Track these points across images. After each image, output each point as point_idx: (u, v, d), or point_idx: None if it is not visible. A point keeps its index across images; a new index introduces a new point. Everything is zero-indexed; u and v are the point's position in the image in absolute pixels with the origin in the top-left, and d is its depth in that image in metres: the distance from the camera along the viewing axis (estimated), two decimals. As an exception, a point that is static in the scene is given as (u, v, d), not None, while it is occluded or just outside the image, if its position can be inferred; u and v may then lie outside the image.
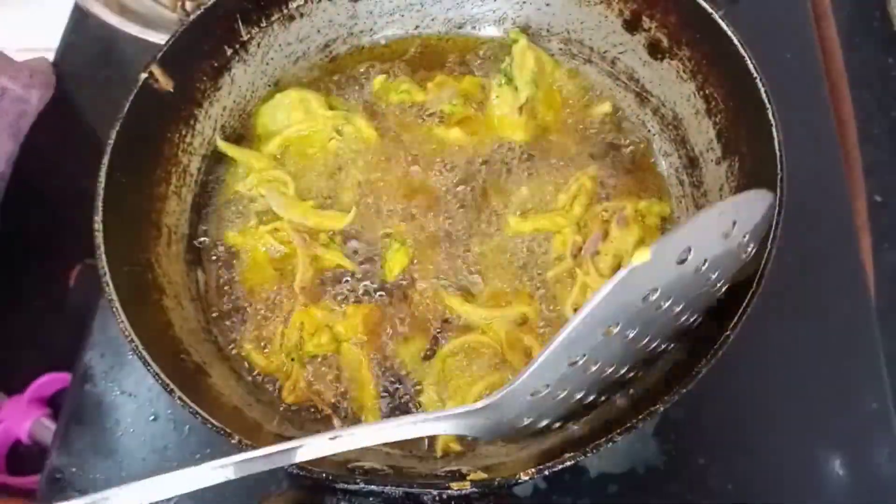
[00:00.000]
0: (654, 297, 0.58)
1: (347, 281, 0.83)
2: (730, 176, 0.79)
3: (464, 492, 0.60)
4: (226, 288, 0.84)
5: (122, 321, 0.66)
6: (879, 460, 0.80)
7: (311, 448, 0.59)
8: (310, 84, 0.95)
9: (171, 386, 0.64)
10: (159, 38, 1.05)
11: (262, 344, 0.80)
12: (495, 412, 0.61)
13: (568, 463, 0.60)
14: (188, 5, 1.17)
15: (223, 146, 0.89)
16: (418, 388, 0.78)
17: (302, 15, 0.92)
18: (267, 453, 0.58)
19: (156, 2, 1.19)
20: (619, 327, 0.58)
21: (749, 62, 0.75)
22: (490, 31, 0.99)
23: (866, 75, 1.14)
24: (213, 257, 0.85)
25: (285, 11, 0.91)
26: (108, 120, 0.77)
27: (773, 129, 0.72)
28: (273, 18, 0.90)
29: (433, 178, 0.88)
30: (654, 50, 0.88)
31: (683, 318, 0.64)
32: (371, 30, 0.98)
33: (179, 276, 0.81)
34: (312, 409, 0.78)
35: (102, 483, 0.81)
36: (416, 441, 0.76)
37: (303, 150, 0.90)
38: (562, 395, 0.62)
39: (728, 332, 0.63)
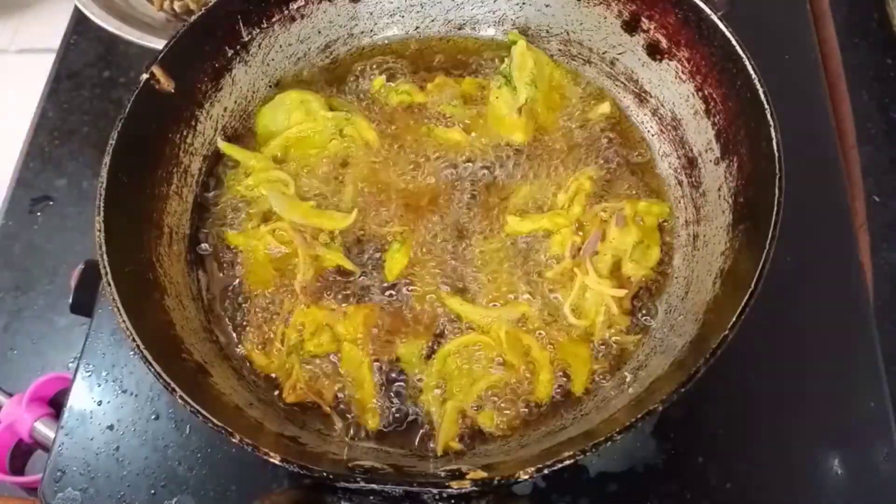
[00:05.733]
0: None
1: (348, 281, 0.83)
2: (728, 176, 0.79)
3: (464, 490, 0.61)
4: (227, 287, 0.84)
5: (124, 321, 0.66)
6: (877, 459, 0.80)
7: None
8: (310, 85, 0.96)
9: (173, 385, 0.64)
10: (158, 43, 1.06)
11: (263, 344, 0.81)
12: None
13: (567, 462, 0.61)
14: (176, 5, 1.17)
15: (224, 147, 0.89)
16: (418, 387, 0.78)
17: (302, 16, 0.93)
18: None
19: (150, 1, 1.20)
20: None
21: (748, 63, 0.75)
22: (489, 33, 0.99)
23: (865, 76, 1.14)
24: (215, 257, 0.86)
25: (286, 12, 0.91)
26: (109, 120, 0.77)
27: (772, 130, 0.72)
28: (274, 19, 0.90)
29: (433, 179, 0.89)
30: (653, 51, 0.88)
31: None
32: (371, 31, 0.98)
33: (181, 276, 0.81)
34: (313, 409, 0.78)
35: (104, 482, 0.81)
36: (416, 440, 0.76)
37: (303, 151, 0.91)
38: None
39: (727, 332, 0.63)
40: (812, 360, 0.86)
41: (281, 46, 0.93)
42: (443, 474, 0.67)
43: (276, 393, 0.79)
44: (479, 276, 0.83)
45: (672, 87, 0.87)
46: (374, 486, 0.63)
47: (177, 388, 0.64)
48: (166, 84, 0.81)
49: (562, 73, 0.95)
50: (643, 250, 0.82)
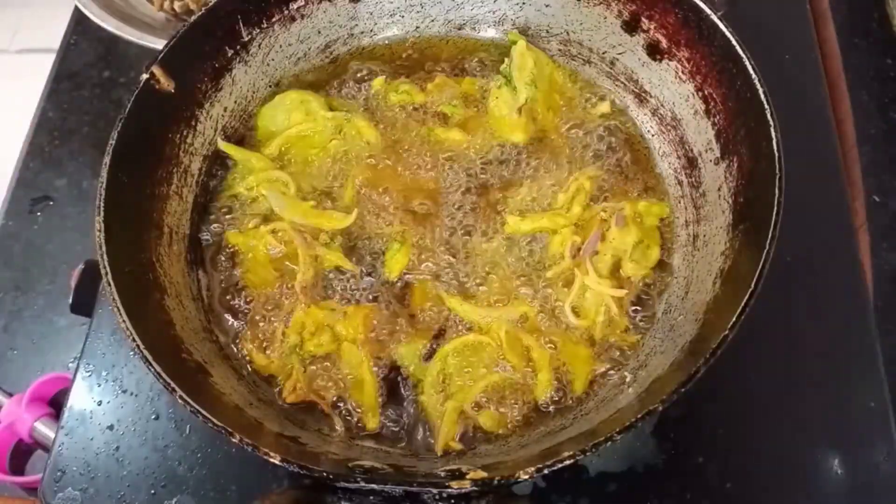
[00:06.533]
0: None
1: (348, 281, 0.83)
2: (728, 176, 0.79)
3: (463, 490, 0.61)
4: (227, 287, 0.84)
5: (124, 321, 0.66)
6: (877, 459, 0.80)
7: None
8: (310, 85, 0.96)
9: (173, 385, 0.64)
10: (158, 43, 1.06)
11: (263, 343, 0.81)
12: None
13: (567, 462, 0.61)
14: (176, 5, 1.18)
15: (224, 146, 0.90)
16: (418, 387, 0.78)
17: (302, 16, 0.93)
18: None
19: (150, 1, 1.20)
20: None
21: (748, 63, 0.76)
22: (489, 33, 0.99)
23: (865, 76, 1.14)
24: (215, 257, 0.86)
25: (286, 12, 0.91)
26: (109, 120, 0.77)
27: (772, 130, 0.72)
28: (274, 19, 0.90)
29: (433, 179, 0.89)
30: (653, 51, 0.88)
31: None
32: (371, 31, 0.98)
33: (181, 276, 0.81)
34: (313, 409, 0.78)
35: (104, 482, 0.81)
36: (416, 440, 0.76)
37: (303, 151, 0.91)
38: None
39: (727, 332, 0.63)
40: (812, 360, 0.86)
41: (281, 46, 0.93)
42: (443, 474, 0.67)
43: (276, 393, 0.79)
44: (479, 275, 0.83)
45: (672, 87, 0.87)
46: (374, 486, 0.63)
47: (177, 388, 0.64)
48: (166, 84, 0.81)
49: (562, 73, 0.95)
50: (643, 250, 0.83)
